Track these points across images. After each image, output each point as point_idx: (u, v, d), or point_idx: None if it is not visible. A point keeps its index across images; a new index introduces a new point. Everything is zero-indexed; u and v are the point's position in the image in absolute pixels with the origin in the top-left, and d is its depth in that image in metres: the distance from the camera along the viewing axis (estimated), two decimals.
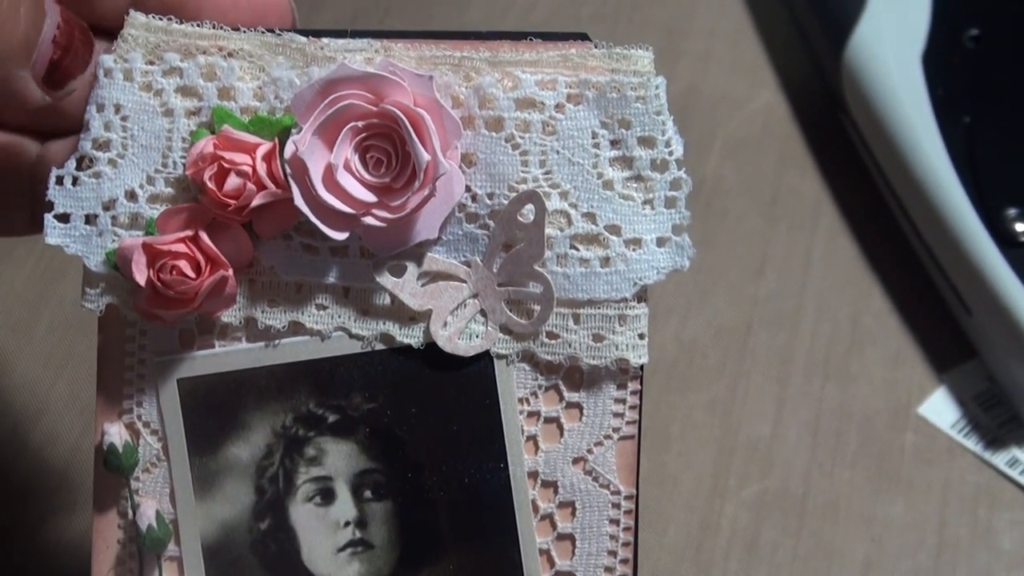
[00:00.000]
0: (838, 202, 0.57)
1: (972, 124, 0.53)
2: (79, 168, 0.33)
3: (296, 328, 0.33)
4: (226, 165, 0.31)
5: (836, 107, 0.58)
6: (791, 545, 0.48)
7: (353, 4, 0.58)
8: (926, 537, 0.49)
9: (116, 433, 0.33)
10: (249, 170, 0.31)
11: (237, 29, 0.33)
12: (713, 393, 0.50)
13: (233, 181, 0.31)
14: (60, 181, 0.33)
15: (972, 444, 0.51)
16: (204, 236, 0.32)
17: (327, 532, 0.34)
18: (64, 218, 0.33)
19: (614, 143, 0.32)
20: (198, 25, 0.33)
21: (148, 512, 0.33)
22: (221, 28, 0.33)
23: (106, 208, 0.33)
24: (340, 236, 0.32)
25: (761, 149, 0.58)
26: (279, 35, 0.33)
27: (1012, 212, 0.51)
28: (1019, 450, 0.51)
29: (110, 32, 0.33)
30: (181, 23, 0.33)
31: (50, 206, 0.33)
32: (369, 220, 0.32)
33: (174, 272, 0.31)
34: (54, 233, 0.33)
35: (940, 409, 0.52)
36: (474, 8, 0.61)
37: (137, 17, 0.33)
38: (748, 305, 0.53)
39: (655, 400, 0.48)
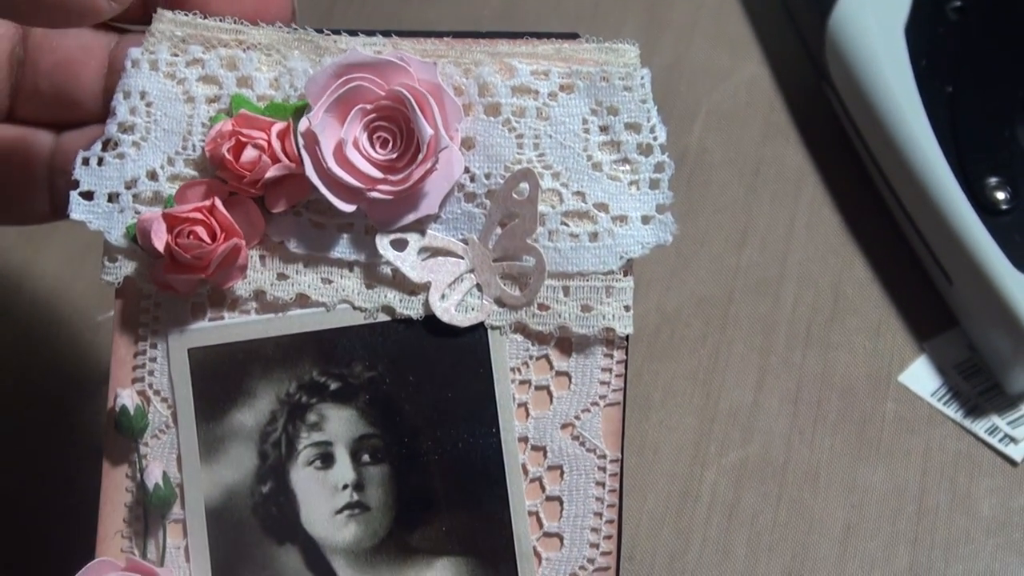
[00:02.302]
0: (821, 173, 0.57)
1: (954, 94, 0.54)
2: (104, 150, 0.35)
3: (302, 300, 0.35)
4: (243, 139, 0.34)
5: (820, 78, 0.58)
6: (771, 512, 0.49)
7: None
8: (906, 504, 0.49)
9: (128, 397, 0.35)
10: (264, 144, 0.34)
11: (256, 24, 0.36)
12: (695, 362, 0.51)
13: (249, 153, 0.34)
14: (86, 162, 0.35)
15: (952, 412, 0.51)
16: (220, 205, 0.34)
17: (326, 495, 0.35)
18: (88, 196, 0.35)
19: (603, 128, 0.35)
20: (220, 20, 0.36)
21: (155, 472, 0.35)
22: (241, 23, 0.36)
23: (128, 187, 0.35)
24: (348, 208, 0.34)
25: (744, 120, 0.59)
26: (295, 30, 0.35)
27: (993, 181, 0.51)
28: (998, 418, 0.51)
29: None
30: (205, 18, 0.36)
31: (75, 184, 0.35)
32: (375, 194, 0.34)
33: (191, 236, 0.34)
34: (78, 209, 0.35)
35: (921, 377, 0.52)
36: None
37: (165, 14, 0.36)
38: (730, 275, 0.54)
39: (637, 369, 0.49)
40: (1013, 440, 0.49)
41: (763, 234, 0.54)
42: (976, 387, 0.51)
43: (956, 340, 0.52)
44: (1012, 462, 0.49)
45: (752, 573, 0.46)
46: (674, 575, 0.45)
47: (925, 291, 0.53)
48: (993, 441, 0.50)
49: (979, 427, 0.50)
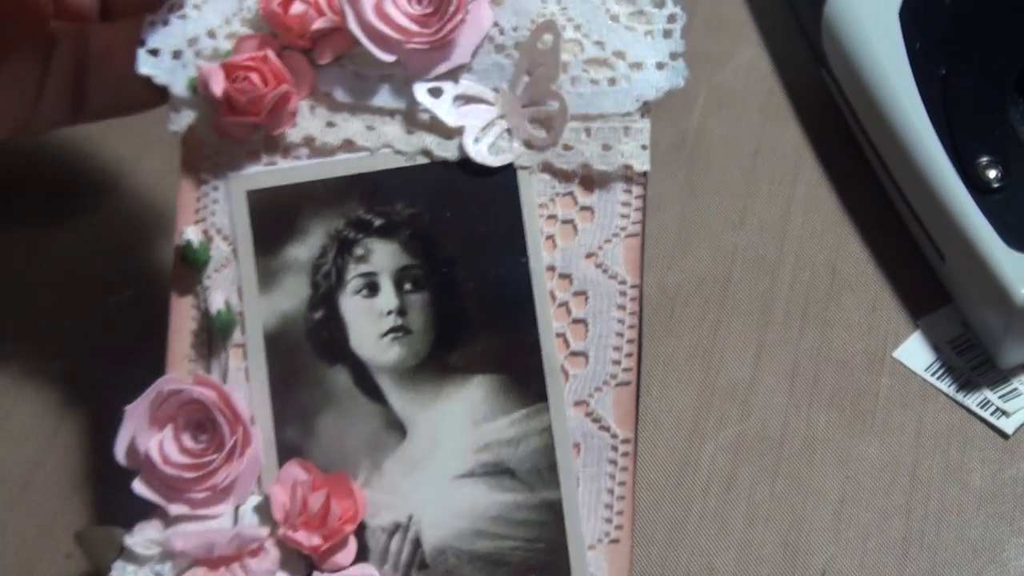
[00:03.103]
0: (818, 155, 0.58)
1: (947, 76, 0.54)
2: (170, 10, 0.39)
3: (348, 146, 0.39)
4: None
5: (817, 62, 0.59)
6: (768, 484, 0.50)
7: None
8: (900, 475, 0.50)
9: (192, 233, 0.39)
10: (312, 0, 0.38)
11: None
12: (695, 340, 0.52)
13: (297, 7, 0.38)
14: (152, 23, 0.39)
15: (945, 386, 0.52)
16: (272, 55, 0.38)
17: (372, 320, 0.39)
18: (154, 52, 0.39)
19: None
20: None
21: (218, 301, 0.39)
22: None
23: (190, 44, 0.40)
24: (387, 58, 0.38)
25: (743, 104, 0.60)
26: None
27: (984, 160, 0.52)
28: (990, 392, 0.52)
29: None
30: None
31: (142, 43, 0.39)
32: (411, 45, 0.38)
33: (246, 82, 0.38)
34: (146, 64, 0.39)
35: (915, 353, 0.53)
36: None
37: None
38: (729, 254, 0.55)
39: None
40: (1005, 413, 0.50)
41: (761, 215, 0.56)
42: (969, 362, 0.52)
43: (949, 317, 0.53)
44: (1003, 435, 0.50)
45: (749, 543, 0.48)
46: (673, 544, 0.46)
47: (919, 269, 0.54)
48: (985, 414, 0.51)
49: (971, 401, 0.51)
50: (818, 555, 0.48)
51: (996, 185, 0.50)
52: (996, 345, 0.51)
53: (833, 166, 0.58)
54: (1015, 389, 0.51)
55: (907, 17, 0.55)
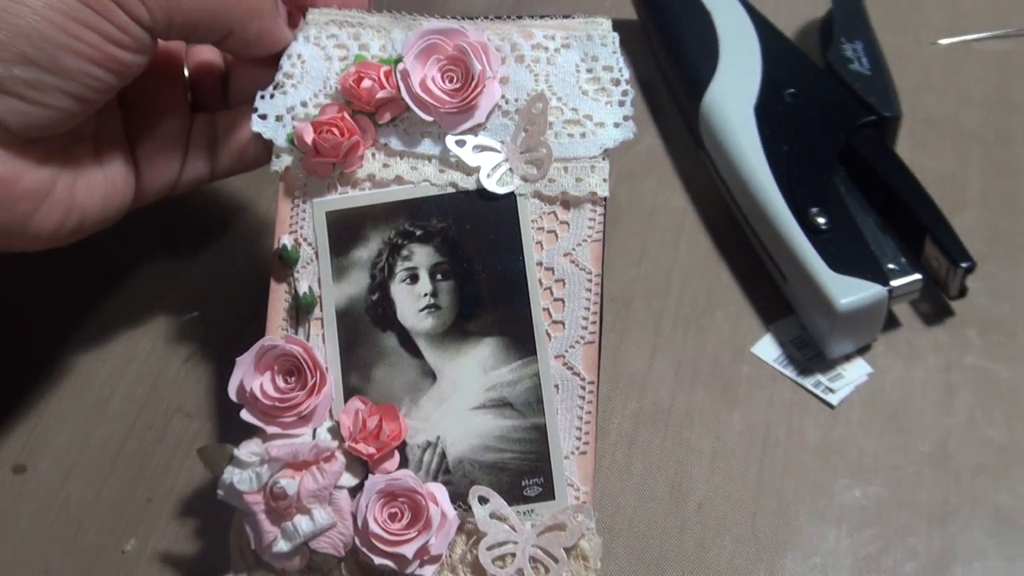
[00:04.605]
0: (697, 211, 0.67)
1: (789, 153, 0.62)
2: (275, 89, 0.54)
3: (398, 180, 0.53)
4: (363, 75, 0.52)
5: (696, 145, 0.67)
6: (659, 443, 0.57)
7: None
8: (755, 437, 0.57)
9: (287, 239, 0.53)
10: (376, 78, 0.52)
11: (369, 12, 0.55)
12: (607, 342, 0.59)
13: (366, 83, 0.52)
14: (263, 97, 0.54)
15: (789, 372, 0.59)
16: (347, 116, 0.52)
17: (413, 300, 0.52)
18: (263, 117, 0.54)
19: (588, 70, 0.53)
20: (348, 11, 0.55)
21: (304, 286, 0.52)
22: (361, 12, 0.55)
23: (288, 111, 0.54)
24: (428, 118, 0.52)
25: (644, 176, 0.68)
26: (394, 15, 0.54)
27: (815, 210, 0.59)
28: (821, 376, 0.59)
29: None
30: (340, 10, 0.55)
31: (255, 110, 0.54)
32: (445, 110, 0.52)
33: (329, 134, 0.52)
34: (257, 124, 0.53)
35: (767, 348, 0.61)
36: None
37: (315, 10, 0.54)
38: (632, 282, 0.63)
39: None
40: (831, 391, 0.59)
41: (655, 254, 0.65)
42: (806, 355, 0.60)
43: (791, 322, 0.61)
44: (830, 406, 0.58)
45: (645, 485, 0.56)
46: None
47: (769, 289, 0.62)
48: (817, 392, 0.59)
49: (808, 382, 0.59)
50: (695, 494, 0.56)
51: (823, 228, 0.58)
52: (824, 342, 0.59)
53: (707, 218, 0.66)
54: (839, 374, 0.59)
55: (760, 111, 0.64)
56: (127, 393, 0.61)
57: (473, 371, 0.51)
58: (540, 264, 0.52)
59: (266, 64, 0.55)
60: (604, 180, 0.52)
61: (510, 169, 0.53)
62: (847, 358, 0.60)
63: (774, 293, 0.63)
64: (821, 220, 0.59)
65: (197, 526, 0.56)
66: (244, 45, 0.52)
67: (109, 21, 0.47)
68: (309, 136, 0.52)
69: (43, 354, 0.62)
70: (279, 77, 0.54)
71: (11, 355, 0.62)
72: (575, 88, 0.53)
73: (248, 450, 0.50)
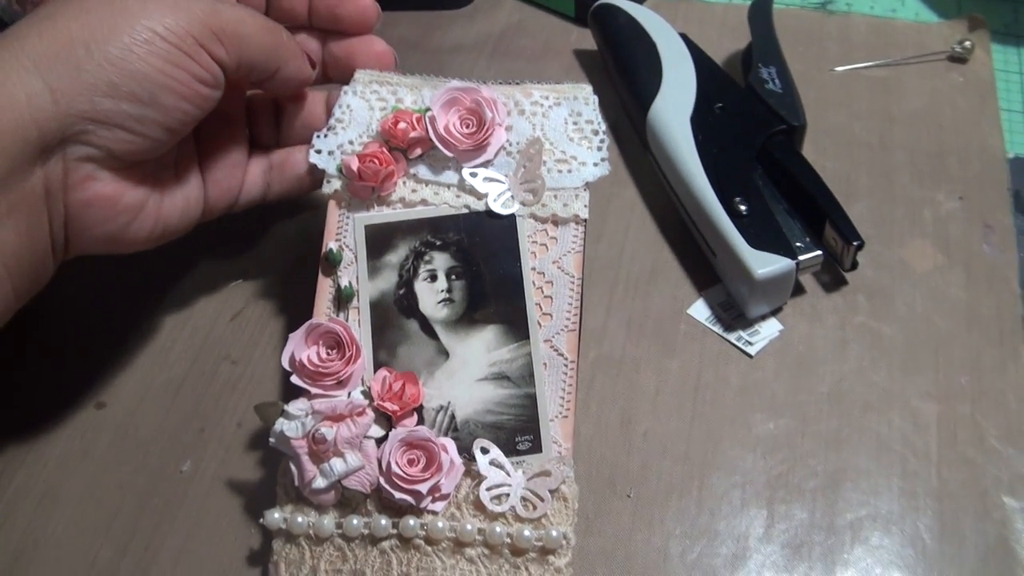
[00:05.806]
0: (644, 202, 0.75)
1: (717, 154, 0.68)
2: (327, 132, 0.67)
3: (423, 202, 0.64)
4: (399, 120, 0.66)
5: (644, 149, 0.74)
6: (612, 384, 0.64)
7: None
8: (689, 380, 0.64)
9: (333, 245, 0.64)
10: (409, 122, 0.65)
11: (404, 75, 0.68)
12: None
13: (402, 126, 0.65)
14: (318, 136, 0.67)
15: (717, 329, 0.66)
16: (385, 150, 0.65)
17: (432, 294, 0.61)
18: (318, 152, 0.66)
19: (574, 122, 0.65)
20: (387, 73, 0.68)
21: (344, 281, 0.63)
22: (397, 74, 0.68)
23: (338, 147, 0.66)
24: (449, 154, 0.65)
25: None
26: (424, 77, 0.68)
27: (738, 199, 0.65)
28: (743, 331, 0.66)
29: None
30: (380, 71, 0.69)
31: (312, 146, 0.66)
32: (462, 147, 0.65)
33: (370, 164, 0.64)
34: (313, 158, 0.66)
35: (699, 310, 0.68)
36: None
37: (361, 71, 0.68)
38: (591, 258, 0.69)
39: None
40: (750, 343, 0.66)
41: (610, 236, 0.72)
42: (731, 315, 0.67)
43: (719, 290, 0.68)
44: (749, 356, 0.65)
45: (599, 418, 0.63)
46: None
47: (702, 263, 0.70)
48: (740, 344, 0.66)
49: (732, 337, 0.66)
50: (641, 425, 0.62)
51: (744, 213, 0.65)
52: (745, 305, 0.66)
53: (652, 207, 0.74)
54: (756, 330, 0.66)
55: (695, 121, 0.71)
56: (185, 344, 0.70)
57: (479, 351, 0.59)
58: (534, 269, 0.61)
59: (310, 112, 0.68)
60: (585, 206, 0.64)
61: (512, 196, 0.63)
62: (763, 318, 0.67)
63: (705, 266, 0.70)
64: (743, 207, 0.66)
65: (239, 451, 0.65)
66: (284, 82, 0.61)
67: (196, 62, 0.54)
68: (355, 165, 0.64)
69: (121, 314, 0.71)
70: (332, 121, 0.67)
71: (98, 316, 0.71)
72: (564, 135, 0.64)
73: (296, 407, 0.59)
